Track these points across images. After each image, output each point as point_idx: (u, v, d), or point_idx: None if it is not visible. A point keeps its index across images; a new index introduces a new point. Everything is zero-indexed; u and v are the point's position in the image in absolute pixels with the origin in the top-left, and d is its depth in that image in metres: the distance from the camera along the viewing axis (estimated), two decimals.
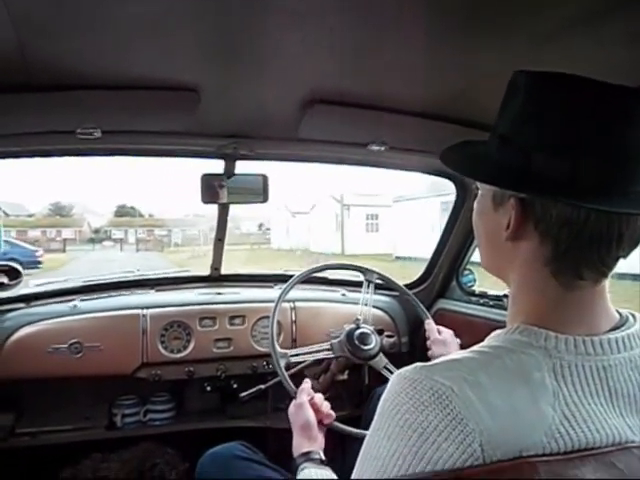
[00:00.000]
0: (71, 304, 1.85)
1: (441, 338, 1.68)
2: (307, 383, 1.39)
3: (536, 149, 0.64)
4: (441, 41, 1.02)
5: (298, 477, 1.09)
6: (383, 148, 1.60)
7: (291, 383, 1.52)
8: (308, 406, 1.29)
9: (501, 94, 0.71)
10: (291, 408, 1.31)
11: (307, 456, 1.15)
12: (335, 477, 1.08)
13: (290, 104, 1.37)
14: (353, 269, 1.90)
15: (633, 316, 0.69)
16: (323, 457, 1.17)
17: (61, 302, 1.88)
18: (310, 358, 1.63)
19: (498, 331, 0.69)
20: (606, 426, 0.60)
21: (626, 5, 0.83)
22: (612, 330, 0.66)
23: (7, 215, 39.54)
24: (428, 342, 1.72)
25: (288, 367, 1.57)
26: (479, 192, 0.76)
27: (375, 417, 0.65)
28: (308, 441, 1.20)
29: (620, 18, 0.87)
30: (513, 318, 0.69)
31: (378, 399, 1.70)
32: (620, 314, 0.69)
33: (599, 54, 1.01)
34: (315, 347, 1.65)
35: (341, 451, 1.49)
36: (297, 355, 1.59)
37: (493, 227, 0.71)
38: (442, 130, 1.49)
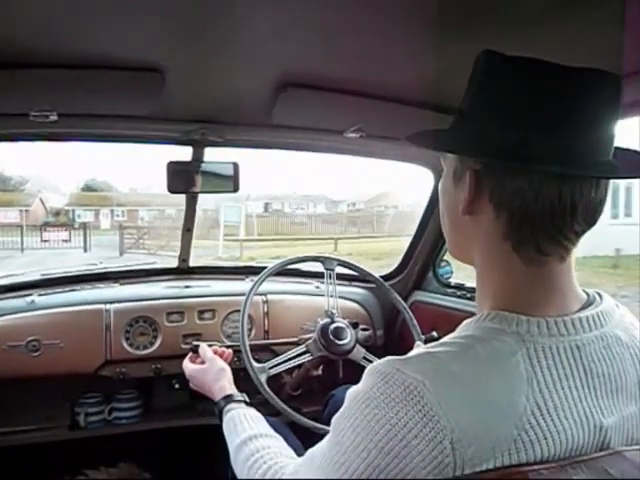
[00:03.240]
0: (28, 299, 1.75)
1: None
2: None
3: (490, 120, 0.65)
4: (420, 26, 0.97)
5: (226, 417, 1.09)
6: (359, 135, 1.54)
7: (272, 393, 1.48)
8: (219, 358, 1.35)
9: None
10: (204, 365, 1.34)
11: (230, 398, 1.16)
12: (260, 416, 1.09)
13: (262, 87, 1.30)
14: (312, 260, 1.84)
15: (600, 295, 0.70)
16: (247, 399, 1.18)
17: (17, 297, 1.77)
18: (290, 365, 1.58)
19: (468, 320, 0.68)
20: (579, 411, 0.61)
21: None
22: (581, 309, 0.66)
23: None
24: None
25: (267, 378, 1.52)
26: (443, 172, 0.76)
27: (344, 405, 0.65)
28: (229, 385, 1.23)
29: (603, 3, 0.84)
30: (481, 303, 0.69)
31: (335, 404, 1.69)
32: (587, 294, 0.69)
33: (581, 40, 0.98)
34: (291, 353, 1.59)
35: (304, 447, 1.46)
36: (276, 366, 1.54)
37: (453, 203, 0.71)
38: (420, 117, 1.44)
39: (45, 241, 19.20)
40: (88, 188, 38.36)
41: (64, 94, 1.24)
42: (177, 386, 1.89)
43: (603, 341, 0.65)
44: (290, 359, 1.58)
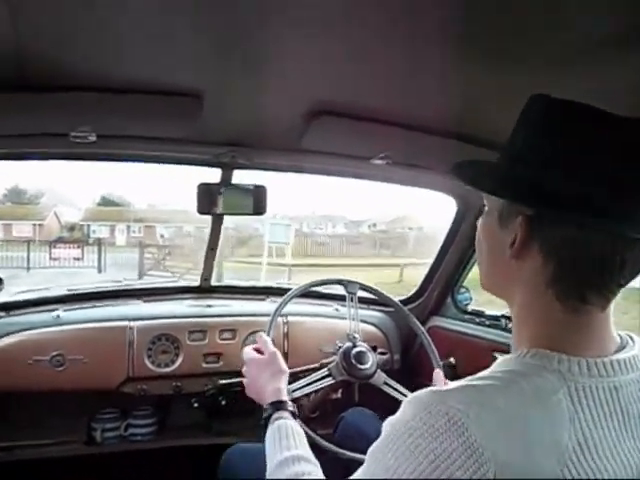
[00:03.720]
0: (54, 314, 1.76)
1: None
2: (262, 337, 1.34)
3: (549, 167, 0.65)
4: (450, 57, 1.00)
5: (273, 425, 1.04)
6: (386, 162, 1.57)
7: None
8: (281, 356, 1.25)
9: (512, 115, 0.72)
10: (263, 356, 1.25)
11: (282, 406, 1.10)
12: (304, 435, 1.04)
13: (295, 114, 1.33)
14: (335, 283, 1.85)
15: (631, 338, 0.70)
16: (297, 412, 1.12)
17: (43, 312, 1.79)
18: (313, 389, 1.57)
19: (506, 356, 0.68)
20: (619, 451, 0.60)
21: None
22: (617, 352, 0.66)
23: None
24: None
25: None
26: (485, 209, 0.76)
27: (382, 436, 0.63)
28: (284, 390, 1.16)
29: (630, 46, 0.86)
30: (520, 342, 0.69)
31: (345, 425, 1.66)
32: (620, 337, 0.70)
33: (615, 78, 1.00)
34: (314, 376, 1.59)
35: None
36: (299, 389, 1.53)
37: (497, 245, 0.70)
38: (447, 146, 1.47)
39: (55, 259, 17.08)
40: (104, 203, 35.71)
41: (105, 117, 1.27)
42: (196, 405, 1.89)
43: (638, 383, 0.65)
44: (313, 382, 1.58)
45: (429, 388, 0.63)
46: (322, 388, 1.68)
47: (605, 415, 0.61)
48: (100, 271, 16.40)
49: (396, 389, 1.60)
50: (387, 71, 1.08)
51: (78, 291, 1.94)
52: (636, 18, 0.78)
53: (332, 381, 1.59)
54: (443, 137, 1.44)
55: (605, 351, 0.65)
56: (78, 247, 17.90)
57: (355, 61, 1.04)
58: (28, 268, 16.17)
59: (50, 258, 17.15)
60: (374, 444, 0.65)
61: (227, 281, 2.26)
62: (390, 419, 0.64)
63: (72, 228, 28.17)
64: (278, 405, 1.10)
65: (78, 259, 17.23)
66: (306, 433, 1.43)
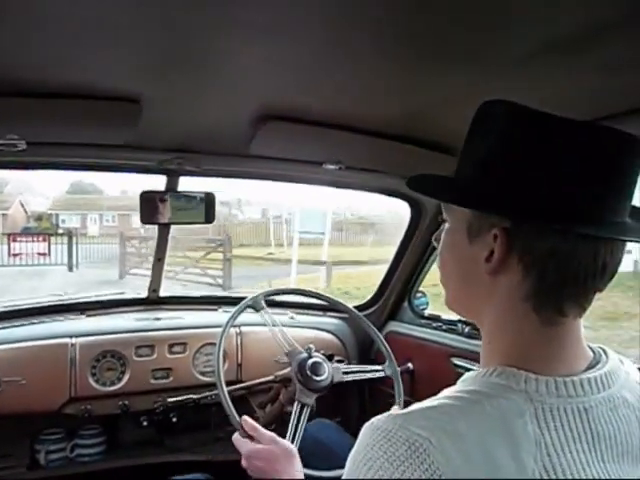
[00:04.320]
0: None
1: None
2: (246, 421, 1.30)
3: (521, 175, 0.61)
4: (404, 62, 0.97)
5: None
6: (338, 167, 1.53)
7: (237, 417, 1.41)
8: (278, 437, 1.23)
9: (463, 117, 0.69)
10: (265, 447, 1.21)
11: None
12: None
13: (241, 119, 1.28)
14: (289, 293, 1.80)
15: (605, 352, 0.68)
16: None
17: None
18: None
19: (472, 373, 0.65)
20: (587, 475, 0.58)
21: (600, 35, 0.80)
22: (588, 369, 0.64)
23: None
24: None
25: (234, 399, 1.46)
26: (446, 225, 0.71)
27: (346, 468, 0.60)
28: (297, 471, 1.15)
29: (593, 48, 0.84)
30: (489, 358, 0.66)
31: (307, 440, 1.63)
32: (592, 350, 0.67)
33: (568, 83, 1.00)
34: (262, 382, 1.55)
35: None
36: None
37: (468, 262, 0.66)
38: (400, 150, 1.45)
39: (15, 255, 13.77)
40: (74, 191, 33.27)
41: (34, 123, 1.19)
42: (145, 423, 1.81)
43: (610, 403, 0.62)
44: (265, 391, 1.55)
45: (388, 413, 0.60)
46: (275, 400, 1.64)
47: (574, 438, 0.58)
48: (71, 268, 13.75)
49: (354, 371, 1.61)
50: (335, 75, 1.04)
51: (13, 307, 1.82)
52: (587, 19, 0.76)
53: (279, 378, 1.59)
54: (396, 141, 1.41)
55: (576, 368, 0.63)
56: (44, 240, 14.18)
57: (303, 65, 0.99)
58: None
59: (9, 254, 13.91)
60: (343, 474, 0.61)
61: (177, 291, 2.16)
62: (351, 452, 0.61)
63: (39, 218, 26.23)
64: None
65: (44, 255, 14.00)
66: None
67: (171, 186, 1.63)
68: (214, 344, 1.69)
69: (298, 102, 1.21)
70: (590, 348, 0.67)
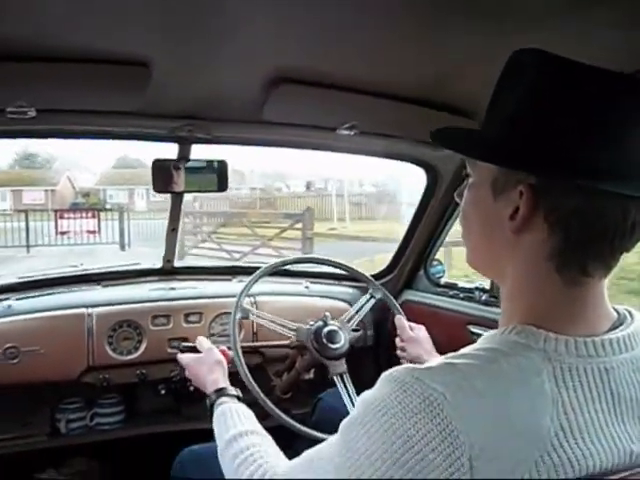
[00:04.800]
0: (5, 304, 1.66)
1: (414, 336, 1.59)
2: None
3: (551, 130, 0.60)
4: (417, 21, 0.94)
5: (217, 411, 1.07)
6: (353, 132, 1.49)
7: (256, 386, 1.43)
8: (216, 350, 1.32)
9: (482, 79, 0.70)
10: (200, 354, 1.32)
11: (223, 392, 1.14)
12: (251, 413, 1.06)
13: (253, 83, 1.24)
14: (305, 262, 1.80)
15: (630, 313, 0.67)
16: (240, 394, 1.16)
17: None
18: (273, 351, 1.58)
19: (491, 332, 0.65)
20: (606, 436, 0.58)
21: None
22: (611, 330, 0.63)
23: None
24: (398, 341, 1.64)
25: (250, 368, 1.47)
26: (470, 180, 0.70)
27: (356, 412, 0.61)
28: (223, 378, 1.21)
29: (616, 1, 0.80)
30: (509, 317, 0.65)
31: (323, 408, 1.65)
32: (617, 311, 0.66)
33: (591, 38, 0.95)
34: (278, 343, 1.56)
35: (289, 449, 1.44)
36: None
37: (492, 218, 0.65)
38: (416, 114, 1.41)
39: (63, 233, 12.69)
40: (120, 166, 32.60)
41: (43, 89, 1.16)
42: (163, 392, 1.83)
43: (633, 364, 0.62)
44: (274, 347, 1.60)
45: (406, 365, 0.60)
46: (291, 368, 1.64)
47: (593, 398, 0.58)
48: (123, 247, 12.47)
49: (346, 386, 1.57)
50: (350, 36, 1.01)
51: (30, 278, 1.83)
52: None
53: (295, 341, 1.61)
54: (413, 104, 1.37)
55: (598, 329, 0.62)
56: (93, 216, 13.01)
57: (317, 26, 0.96)
58: (28, 247, 12.42)
59: (57, 233, 12.95)
60: (346, 419, 0.63)
61: (190, 262, 2.15)
62: (364, 395, 0.62)
63: (87, 194, 26.05)
64: (219, 392, 1.14)
65: (93, 232, 12.84)
66: (281, 420, 1.40)
67: (183, 154, 1.60)
68: (229, 313, 1.69)
69: (312, 64, 1.17)
70: (615, 309, 0.66)
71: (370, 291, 1.76)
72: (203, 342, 1.36)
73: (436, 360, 0.61)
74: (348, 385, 1.56)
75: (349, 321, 1.68)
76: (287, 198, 19.04)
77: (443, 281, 2.02)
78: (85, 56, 1.06)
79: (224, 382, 1.19)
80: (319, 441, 1.32)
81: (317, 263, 1.75)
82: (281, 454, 0.89)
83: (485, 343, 0.63)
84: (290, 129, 1.54)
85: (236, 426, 0.97)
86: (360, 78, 1.25)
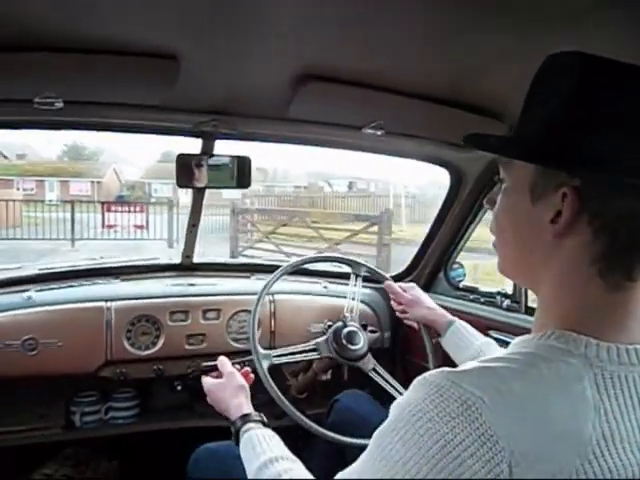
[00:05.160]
0: (25, 295, 1.66)
1: (411, 298, 1.59)
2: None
3: (593, 133, 0.58)
4: (447, 20, 0.92)
5: (244, 438, 1.05)
6: (379, 132, 1.47)
7: (274, 386, 1.42)
8: (238, 374, 1.28)
9: (512, 80, 0.70)
10: (221, 380, 1.27)
11: (248, 418, 1.11)
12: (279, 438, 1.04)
13: (280, 80, 1.23)
14: (341, 262, 1.78)
15: None
16: (265, 419, 1.13)
17: (13, 292, 1.68)
18: (295, 359, 1.51)
19: (526, 336, 0.63)
20: None
21: None
22: None
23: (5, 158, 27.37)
24: (395, 305, 1.65)
25: (270, 369, 1.46)
26: (504, 185, 0.68)
27: (391, 418, 0.59)
28: (247, 403, 1.18)
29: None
30: (544, 323, 0.63)
31: (340, 410, 1.65)
32: None
33: (623, 37, 0.92)
34: (300, 347, 1.53)
35: (304, 449, 1.42)
36: (281, 356, 1.47)
37: (530, 223, 0.63)
38: (445, 114, 1.39)
39: (110, 227, 11.99)
40: (166, 160, 32.51)
41: (71, 81, 1.15)
42: (179, 388, 1.83)
43: None
44: (297, 352, 1.53)
45: (442, 369, 0.58)
46: (308, 368, 1.63)
47: (634, 407, 0.57)
48: (171, 245, 11.66)
49: (384, 377, 1.55)
50: (380, 33, 0.99)
51: (51, 270, 1.84)
52: None
53: (318, 356, 1.55)
54: (441, 105, 1.35)
55: (637, 336, 0.60)
56: (141, 210, 12.21)
57: (346, 22, 0.94)
58: (73, 240, 11.74)
59: (103, 226, 12.29)
60: (380, 428, 0.60)
61: (210, 258, 2.14)
62: (398, 401, 0.60)
63: (132, 187, 26.26)
64: (244, 418, 1.11)
65: (141, 227, 12.01)
66: (298, 420, 1.39)
67: (206, 150, 1.59)
68: (248, 311, 1.69)
69: (339, 62, 1.15)
70: None
71: (353, 271, 1.72)
72: (225, 364, 1.32)
73: (470, 364, 0.59)
74: (385, 376, 1.56)
75: (351, 312, 1.66)
76: (330, 198, 18.49)
77: (463, 285, 1.99)
78: (115, 48, 1.05)
79: (248, 407, 1.16)
80: (334, 442, 1.32)
81: (338, 262, 1.74)
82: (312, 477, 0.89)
83: (521, 347, 0.61)
84: (316, 127, 1.53)
85: (265, 452, 0.96)
86: (388, 77, 1.23)
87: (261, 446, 0.99)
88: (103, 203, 13.33)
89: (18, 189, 21.49)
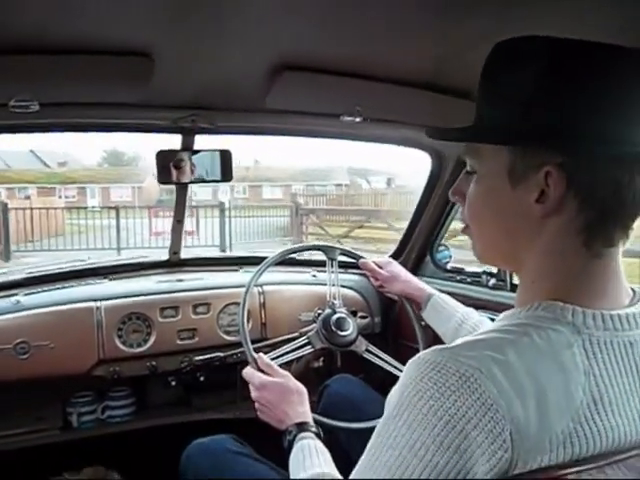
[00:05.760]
0: (13, 299, 1.66)
1: (388, 274, 1.61)
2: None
3: (569, 110, 0.60)
4: (419, 5, 0.92)
5: (298, 444, 1.03)
6: (357, 119, 1.48)
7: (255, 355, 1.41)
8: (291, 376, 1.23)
9: None
10: (277, 380, 1.22)
11: (307, 426, 1.09)
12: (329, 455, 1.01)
13: (257, 71, 1.24)
14: (313, 249, 1.79)
15: None
16: (321, 432, 1.10)
17: (1, 297, 1.69)
18: (291, 357, 1.52)
19: (511, 311, 0.66)
20: (632, 408, 0.60)
21: None
22: (630, 305, 0.64)
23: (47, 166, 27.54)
24: (374, 281, 1.67)
25: None
26: (478, 173, 0.68)
27: (391, 406, 0.60)
28: (308, 411, 1.15)
29: None
30: (531, 297, 0.64)
31: (330, 394, 1.67)
32: (633, 290, 0.68)
33: (588, 19, 0.93)
34: (293, 345, 1.54)
35: None
36: (277, 358, 1.47)
37: (513, 207, 0.64)
38: (420, 98, 1.40)
39: (157, 234, 10.76)
40: None
41: (46, 82, 1.16)
42: (173, 383, 1.84)
43: None
44: (292, 351, 1.54)
45: (434, 347, 0.59)
46: (302, 356, 1.64)
47: (620, 371, 0.60)
48: (224, 250, 10.44)
49: (378, 356, 1.56)
50: (356, 20, 1.00)
51: (38, 273, 1.84)
52: None
53: (311, 349, 1.55)
54: (420, 89, 1.36)
55: (619, 303, 0.64)
56: (191, 214, 10.73)
57: (319, 11, 0.95)
58: (119, 249, 10.72)
59: (150, 234, 11.16)
60: (381, 419, 0.61)
61: (198, 253, 2.15)
62: (394, 387, 0.60)
63: (172, 191, 24.56)
64: (303, 426, 1.08)
65: (191, 233, 10.58)
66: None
67: (186, 145, 1.60)
68: (237, 304, 1.70)
69: (315, 51, 1.17)
70: (631, 289, 0.67)
71: (328, 256, 1.69)
72: (273, 365, 1.28)
73: (461, 339, 0.61)
74: (380, 354, 1.57)
75: (334, 298, 1.65)
76: (372, 195, 17.61)
77: (449, 266, 2.02)
78: (87, 48, 1.06)
79: (308, 416, 1.14)
80: (325, 425, 1.33)
81: (321, 250, 1.75)
82: None
83: (512, 319, 0.63)
84: (294, 117, 1.54)
85: (314, 467, 0.96)
86: (363, 64, 1.24)
87: (312, 459, 0.98)
88: (150, 208, 12.51)
89: (60, 197, 21.47)
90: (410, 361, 0.60)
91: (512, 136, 0.63)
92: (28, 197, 19.29)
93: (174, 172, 1.59)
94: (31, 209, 11.80)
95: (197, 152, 1.60)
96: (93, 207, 16.75)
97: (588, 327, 0.59)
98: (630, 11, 0.92)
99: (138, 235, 11.31)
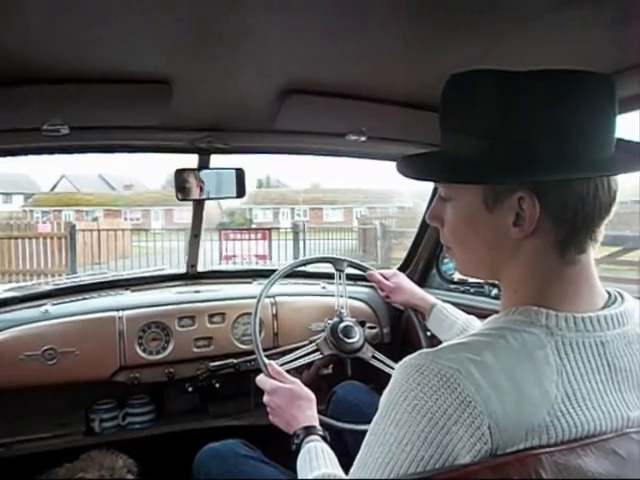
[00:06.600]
0: (42, 309, 1.77)
1: (393, 285, 1.68)
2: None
3: (532, 139, 0.64)
4: (421, 31, 1.00)
5: (305, 447, 1.08)
6: (362, 138, 1.57)
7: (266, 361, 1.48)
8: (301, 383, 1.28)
9: None
10: (288, 386, 1.27)
11: (314, 430, 1.13)
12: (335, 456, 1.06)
13: (267, 95, 1.33)
14: (322, 261, 1.86)
15: (620, 294, 0.72)
16: (327, 436, 1.15)
17: (31, 307, 1.79)
18: (300, 363, 1.59)
19: (494, 316, 0.70)
20: (605, 403, 0.63)
21: None
22: (605, 307, 0.69)
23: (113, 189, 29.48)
24: (380, 291, 1.74)
25: None
26: (452, 200, 0.73)
27: (381, 406, 0.65)
28: (312, 416, 1.19)
29: (596, 3, 0.86)
30: (512, 303, 0.69)
31: (337, 400, 1.70)
32: (609, 293, 0.72)
33: (587, 36, 1.00)
34: (302, 351, 1.61)
35: None
36: (287, 363, 1.55)
37: (492, 230, 0.69)
38: (423, 118, 1.46)
39: (228, 258, 10.11)
40: (262, 186, 33.85)
41: (75, 108, 1.27)
42: (190, 389, 1.91)
43: (625, 339, 0.67)
44: (300, 357, 1.61)
45: (419, 351, 0.65)
46: (312, 362, 1.71)
47: (592, 369, 0.63)
48: None
49: (384, 362, 1.62)
50: (355, 46, 1.07)
51: (64, 285, 1.95)
52: None
53: (320, 355, 1.62)
54: (418, 109, 1.44)
55: (593, 306, 0.68)
56: (263, 237, 10.29)
57: (325, 38, 1.03)
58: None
59: (221, 257, 10.36)
60: (373, 419, 0.66)
61: (213, 266, 2.24)
62: (385, 390, 0.66)
63: (232, 213, 25.96)
64: (311, 430, 1.13)
65: (264, 257, 10.13)
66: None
67: (203, 164, 1.70)
68: (250, 314, 1.77)
69: (321, 74, 1.24)
70: (607, 291, 0.72)
71: (336, 267, 1.76)
72: (283, 372, 1.33)
73: (446, 343, 0.66)
74: (386, 361, 1.63)
75: (342, 308, 1.72)
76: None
77: (455, 278, 2.07)
78: (112, 77, 1.16)
79: (316, 420, 1.18)
80: (333, 428, 1.37)
81: (331, 263, 1.82)
82: None
83: (490, 324, 0.69)
84: (302, 137, 1.63)
85: (320, 468, 1.00)
86: (366, 86, 1.32)
87: (318, 460, 1.03)
88: (220, 230, 11.77)
89: (126, 219, 22.16)
90: (398, 365, 0.65)
91: (478, 176, 0.67)
92: (95, 219, 19.84)
93: (193, 189, 1.69)
94: (98, 230, 11.83)
95: (212, 169, 1.70)
96: (156, 229, 16.95)
97: (561, 329, 0.63)
98: (602, 40, 0.99)
99: (207, 259, 10.52)
